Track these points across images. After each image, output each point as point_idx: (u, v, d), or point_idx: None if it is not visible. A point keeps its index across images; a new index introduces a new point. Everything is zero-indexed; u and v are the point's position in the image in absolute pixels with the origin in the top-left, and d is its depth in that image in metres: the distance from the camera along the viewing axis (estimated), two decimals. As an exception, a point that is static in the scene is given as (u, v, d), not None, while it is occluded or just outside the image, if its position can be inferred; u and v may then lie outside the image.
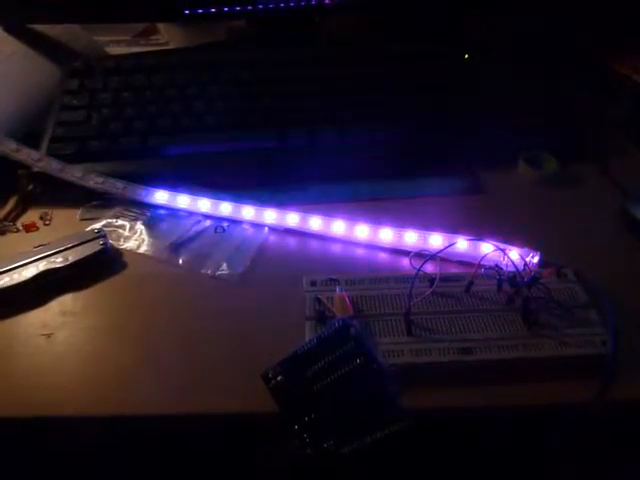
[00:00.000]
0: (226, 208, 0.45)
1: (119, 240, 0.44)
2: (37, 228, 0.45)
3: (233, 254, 0.42)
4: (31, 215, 0.46)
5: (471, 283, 0.37)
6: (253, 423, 0.34)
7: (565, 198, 0.46)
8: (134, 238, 0.44)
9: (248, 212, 0.45)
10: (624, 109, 0.52)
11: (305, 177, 0.48)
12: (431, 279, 0.37)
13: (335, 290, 0.37)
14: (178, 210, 0.46)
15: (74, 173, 0.46)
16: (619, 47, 0.55)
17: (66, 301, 0.39)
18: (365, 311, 0.36)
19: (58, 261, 0.40)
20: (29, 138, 0.48)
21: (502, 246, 0.38)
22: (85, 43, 0.61)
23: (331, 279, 0.38)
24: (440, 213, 0.44)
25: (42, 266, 0.39)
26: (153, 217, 0.46)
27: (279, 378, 0.32)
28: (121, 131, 0.49)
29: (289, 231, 0.44)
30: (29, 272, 0.39)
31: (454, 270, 0.40)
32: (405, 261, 0.41)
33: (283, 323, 0.36)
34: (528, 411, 0.33)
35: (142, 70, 0.53)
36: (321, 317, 0.35)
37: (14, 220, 0.46)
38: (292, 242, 0.44)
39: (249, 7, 0.55)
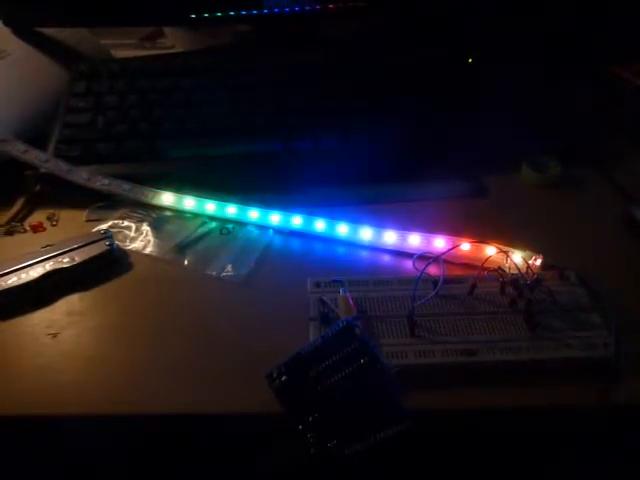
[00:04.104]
0: (231, 210, 0.45)
1: (125, 241, 0.44)
2: (44, 229, 0.46)
3: (238, 256, 0.43)
4: (38, 216, 0.47)
5: (474, 285, 0.37)
6: (257, 423, 0.34)
7: (568, 201, 0.46)
8: (140, 239, 0.44)
9: (253, 214, 0.45)
10: (626, 112, 0.52)
11: (309, 180, 0.48)
12: (434, 281, 0.37)
13: (339, 291, 0.37)
14: (184, 212, 0.46)
15: (81, 174, 0.46)
16: (621, 50, 0.55)
17: (72, 301, 0.40)
18: (368, 312, 0.36)
19: (65, 261, 0.40)
20: (36, 140, 0.49)
21: (505, 249, 0.38)
22: (92, 46, 0.62)
23: (335, 281, 0.38)
24: (443, 216, 0.44)
25: (49, 266, 0.40)
26: (159, 218, 0.46)
27: (283, 378, 0.32)
28: (127, 133, 0.49)
29: (294, 233, 0.44)
30: (36, 272, 0.39)
31: (457, 272, 0.40)
32: (408, 263, 0.41)
33: (287, 324, 0.36)
34: (530, 413, 0.34)
35: (148, 73, 0.53)
36: (325, 318, 0.36)
37: (22, 221, 0.46)
38: (296, 244, 0.44)
39: (254, 11, 0.56)
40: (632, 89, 0.52)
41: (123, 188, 0.46)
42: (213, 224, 0.46)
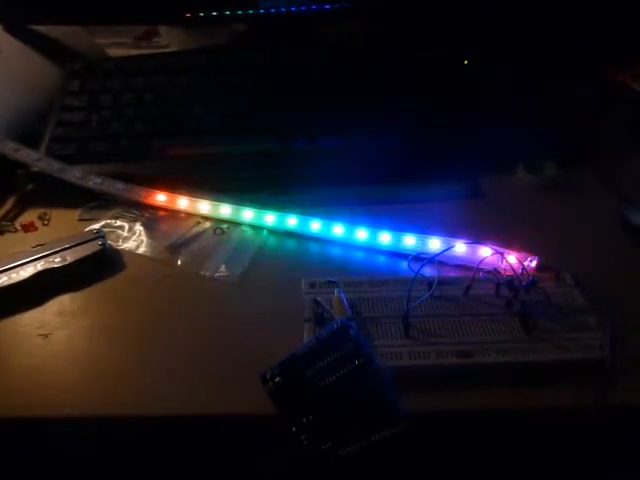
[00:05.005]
0: (226, 210, 0.45)
1: (118, 241, 0.44)
2: (36, 228, 0.45)
3: (232, 256, 0.42)
4: (30, 215, 0.46)
5: (469, 287, 0.37)
6: (251, 424, 0.34)
7: (564, 203, 0.46)
8: (133, 239, 0.44)
9: (247, 214, 0.45)
10: (624, 115, 0.52)
11: (305, 180, 0.48)
12: (429, 282, 0.37)
13: (334, 292, 0.37)
14: (177, 211, 0.46)
15: (73, 173, 0.46)
16: (620, 51, 0.55)
17: (64, 301, 0.39)
18: (363, 313, 0.36)
19: (56, 261, 0.40)
20: (29, 138, 0.48)
21: (501, 250, 0.38)
22: (86, 45, 0.61)
23: (330, 281, 0.38)
24: (439, 217, 0.44)
25: (40, 266, 0.39)
26: (152, 218, 0.46)
27: (277, 379, 0.32)
28: (121, 132, 0.49)
29: (288, 233, 0.44)
30: (27, 272, 0.39)
31: (452, 273, 0.40)
32: (404, 264, 0.41)
33: (281, 325, 0.36)
34: (526, 415, 0.33)
35: (143, 72, 0.53)
36: (319, 319, 0.35)
37: (12, 220, 0.46)
38: (291, 244, 0.44)
39: (250, 11, 0.56)
40: (630, 91, 0.52)
41: (116, 187, 0.46)
42: (207, 224, 0.45)
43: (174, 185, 0.47)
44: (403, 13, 0.58)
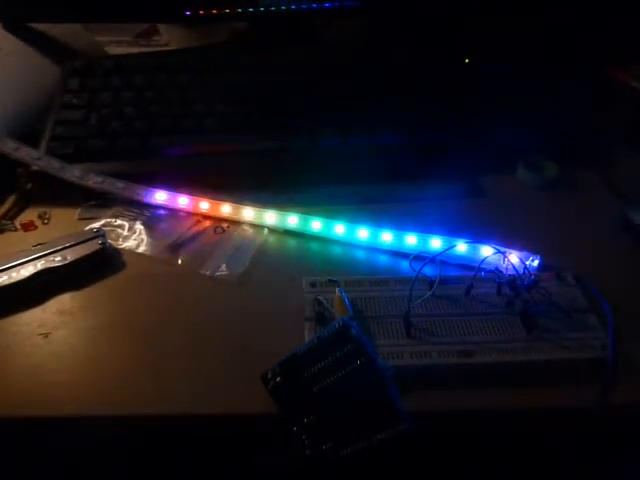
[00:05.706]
0: (226, 209, 0.45)
1: (118, 240, 0.44)
2: (35, 227, 0.45)
3: (233, 255, 0.42)
4: (30, 214, 0.46)
5: (471, 286, 0.37)
6: (252, 424, 0.34)
7: (565, 202, 0.46)
8: (133, 238, 0.44)
9: (248, 213, 0.45)
10: (624, 114, 0.52)
11: (306, 179, 0.48)
12: (431, 282, 0.37)
13: (335, 291, 0.37)
14: (178, 210, 0.46)
15: (73, 172, 0.46)
16: (620, 51, 0.55)
17: (64, 300, 0.39)
18: (365, 313, 0.36)
19: (56, 260, 0.40)
20: (28, 137, 0.48)
21: (502, 249, 0.38)
22: (86, 43, 0.61)
23: (331, 280, 0.38)
24: (440, 216, 0.44)
25: (40, 265, 0.39)
26: (152, 217, 0.46)
27: (278, 379, 0.32)
28: (121, 131, 0.49)
29: (289, 232, 0.44)
30: (27, 271, 0.39)
31: (454, 273, 0.40)
32: (405, 263, 0.41)
33: (282, 324, 0.36)
34: (527, 414, 0.33)
35: (142, 70, 0.53)
36: (321, 318, 0.35)
37: (12, 219, 0.46)
38: (292, 243, 0.44)
39: (250, 9, 0.56)
40: (630, 91, 0.52)
41: (116, 186, 0.46)
42: (207, 223, 0.45)
43: (174, 184, 0.47)
44: (404, 11, 0.58)
